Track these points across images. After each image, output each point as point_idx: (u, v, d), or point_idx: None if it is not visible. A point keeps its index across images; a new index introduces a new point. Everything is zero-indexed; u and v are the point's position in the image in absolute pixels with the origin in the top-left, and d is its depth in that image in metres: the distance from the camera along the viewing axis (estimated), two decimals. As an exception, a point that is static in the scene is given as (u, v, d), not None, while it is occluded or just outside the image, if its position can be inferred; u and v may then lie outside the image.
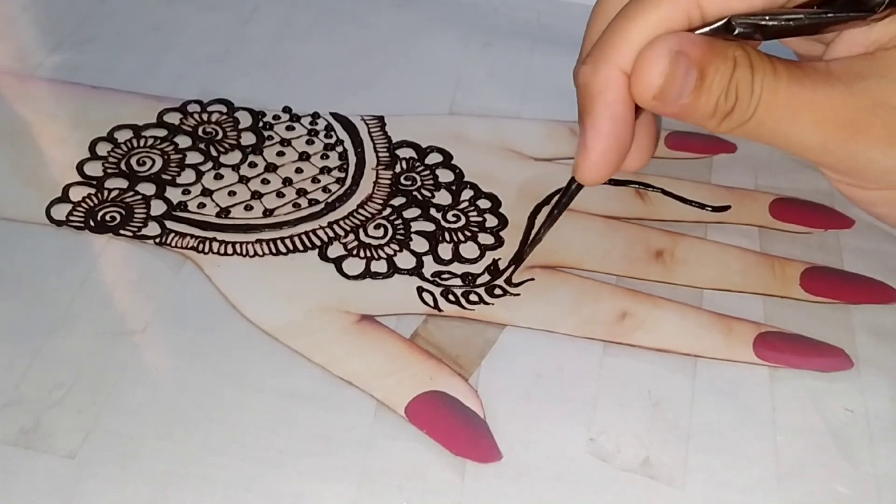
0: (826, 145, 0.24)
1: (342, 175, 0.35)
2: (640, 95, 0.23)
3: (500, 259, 0.32)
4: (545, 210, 0.33)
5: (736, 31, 0.23)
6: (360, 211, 0.33)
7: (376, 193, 0.34)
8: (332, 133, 0.37)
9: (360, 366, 0.28)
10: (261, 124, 0.37)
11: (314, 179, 0.35)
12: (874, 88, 0.24)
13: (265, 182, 0.34)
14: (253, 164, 0.35)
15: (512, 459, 0.26)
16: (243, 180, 0.34)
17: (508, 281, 0.31)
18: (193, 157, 0.35)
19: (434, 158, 0.36)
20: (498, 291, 0.31)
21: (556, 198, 0.28)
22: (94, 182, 0.34)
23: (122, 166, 0.34)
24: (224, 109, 0.37)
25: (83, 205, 0.33)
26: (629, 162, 0.26)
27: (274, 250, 0.32)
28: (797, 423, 0.27)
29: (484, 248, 0.32)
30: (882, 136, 0.24)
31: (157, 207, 0.33)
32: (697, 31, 0.23)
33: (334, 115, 0.37)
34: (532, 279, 0.31)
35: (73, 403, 0.27)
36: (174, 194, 0.33)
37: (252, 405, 0.27)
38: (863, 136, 0.24)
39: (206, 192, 0.34)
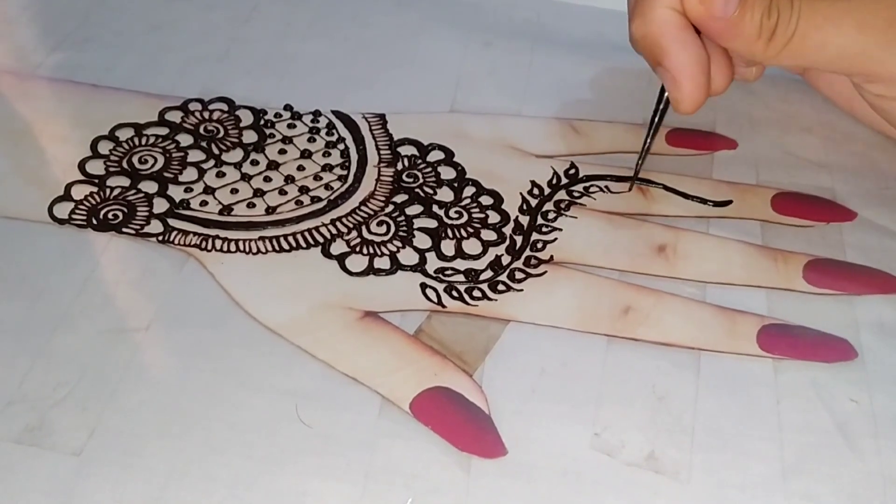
0: (868, 49, 0.26)
1: (344, 172, 0.35)
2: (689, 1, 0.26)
3: (502, 255, 0.32)
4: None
5: None
6: (363, 208, 0.33)
7: (378, 190, 0.34)
8: (334, 131, 0.37)
9: (364, 362, 0.28)
10: (262, 122, 0.37)
11: (316, 177, 0.34)
12: None
13: (267, 180, 0.34)
14: (255, 162, 0.35)
15: (517, 455, 0.26)
16: (245, 178, 0.34)
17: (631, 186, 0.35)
18: (195, 155, 0.35)
19: (436, 156, 0.36)
20: (501, 287, 0.31)
21: (652, 115, 0.32)
22: (96, 180, 0.34)
23: (124, 164, 0.34)
24: (225, 108, 0.37)
25: (85, 203, 0.33)
26: (715, 83, 0.29)
27: (277, 247, 0.32)
28: (802, 415, 0.27)
29: (487, 245, 0.32)
30: None
31: (160, 205, 0.33)
32: None
33: (336, 112, 0.37)
34: (545, 272, 0.31)
35: (76, 401, 0.27)
36: (176, 192, 0.33)
37: (255, 403, 0.27)
38: None
39: (209, 190, 0.34)
